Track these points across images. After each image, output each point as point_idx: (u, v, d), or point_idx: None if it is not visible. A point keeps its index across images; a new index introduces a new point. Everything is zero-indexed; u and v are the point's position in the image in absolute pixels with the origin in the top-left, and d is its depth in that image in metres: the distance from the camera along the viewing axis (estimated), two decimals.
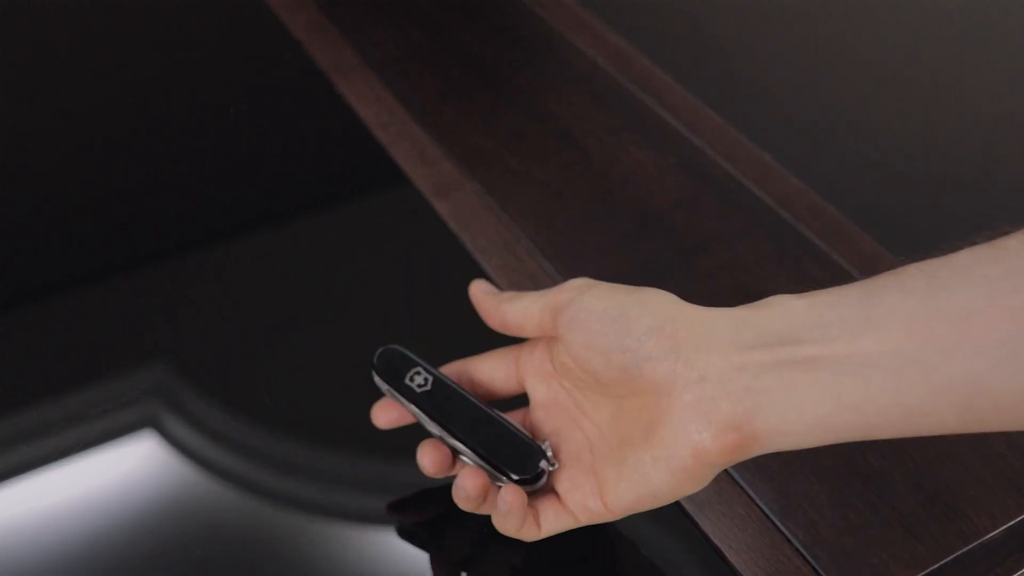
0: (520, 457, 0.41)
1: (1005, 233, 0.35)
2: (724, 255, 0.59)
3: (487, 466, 0.42)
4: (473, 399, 0.44)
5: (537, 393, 0.45)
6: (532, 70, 0.75)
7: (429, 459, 0.43)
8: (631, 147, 0.67)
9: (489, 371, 0.46)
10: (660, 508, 0.45)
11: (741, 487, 0.47)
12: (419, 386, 0.44)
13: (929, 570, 0.43)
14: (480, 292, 0.46)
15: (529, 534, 0.42)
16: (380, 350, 0.45)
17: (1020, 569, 0.43)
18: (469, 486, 0.41)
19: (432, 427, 0.43)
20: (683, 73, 0.74)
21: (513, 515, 0.41)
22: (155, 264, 0.61)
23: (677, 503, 0.46)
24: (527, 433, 0.43)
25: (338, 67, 0.75)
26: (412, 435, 0.47)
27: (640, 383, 0.38)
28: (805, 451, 0.47)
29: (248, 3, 0.84)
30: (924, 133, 0.75)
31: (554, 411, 0.44)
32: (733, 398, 0.36)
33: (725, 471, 0.47)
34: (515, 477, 0.41)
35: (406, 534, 0.46)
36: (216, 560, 0.45)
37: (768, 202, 0.63)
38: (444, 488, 0.45)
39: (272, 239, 0.63)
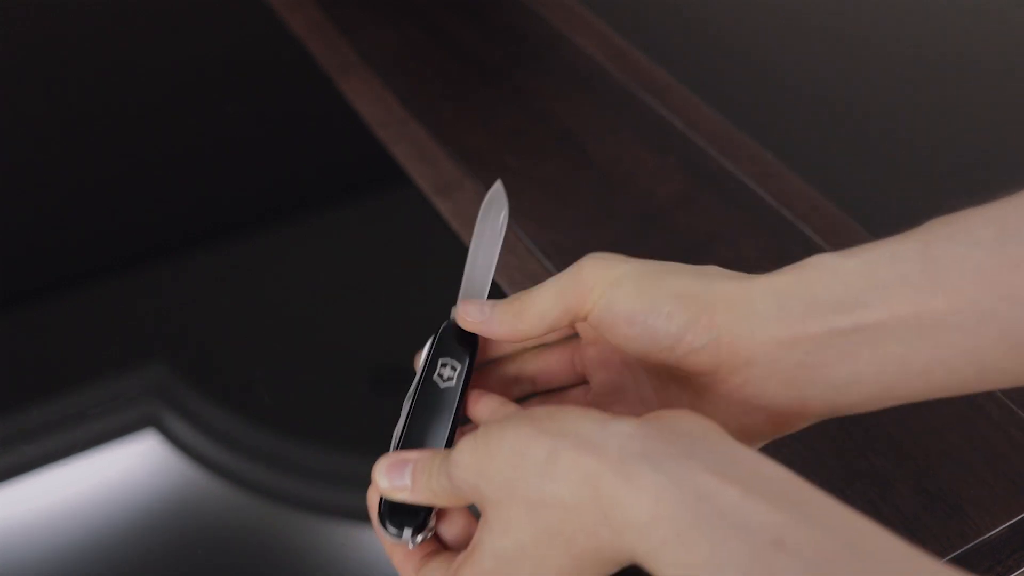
0: None
1: None
2: (725, 254, 0.59)
3: None
4: None
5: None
6: (532, 69, 0.75)
7: None
8: (631, 147, 0.67)
9: (543, 364, 0.42)
10: None
11: None
12: None
13: None
14: (480, 316, 0.39)
15: None
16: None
17: (1021, 568, 0.43)
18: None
19: None
20: (684, 72, 0.74)
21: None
22: (155, 264, 0.61)
23: None
24: None
25: (338, 66, 0.75)
26: None
27: (684, 371, 0.35)
28: (805, 452, 0.48)
29: (248, 1, 0.84)
30: (927, 130, 0.75)
31: (607, 354, 0.40)
32: (783, 377, 0.33)
33: None
34: None
35: None
36: (216, 558, 0.45)
37: (769, 201, 0.63)
38: None
39: (272, 238, 0.63)
